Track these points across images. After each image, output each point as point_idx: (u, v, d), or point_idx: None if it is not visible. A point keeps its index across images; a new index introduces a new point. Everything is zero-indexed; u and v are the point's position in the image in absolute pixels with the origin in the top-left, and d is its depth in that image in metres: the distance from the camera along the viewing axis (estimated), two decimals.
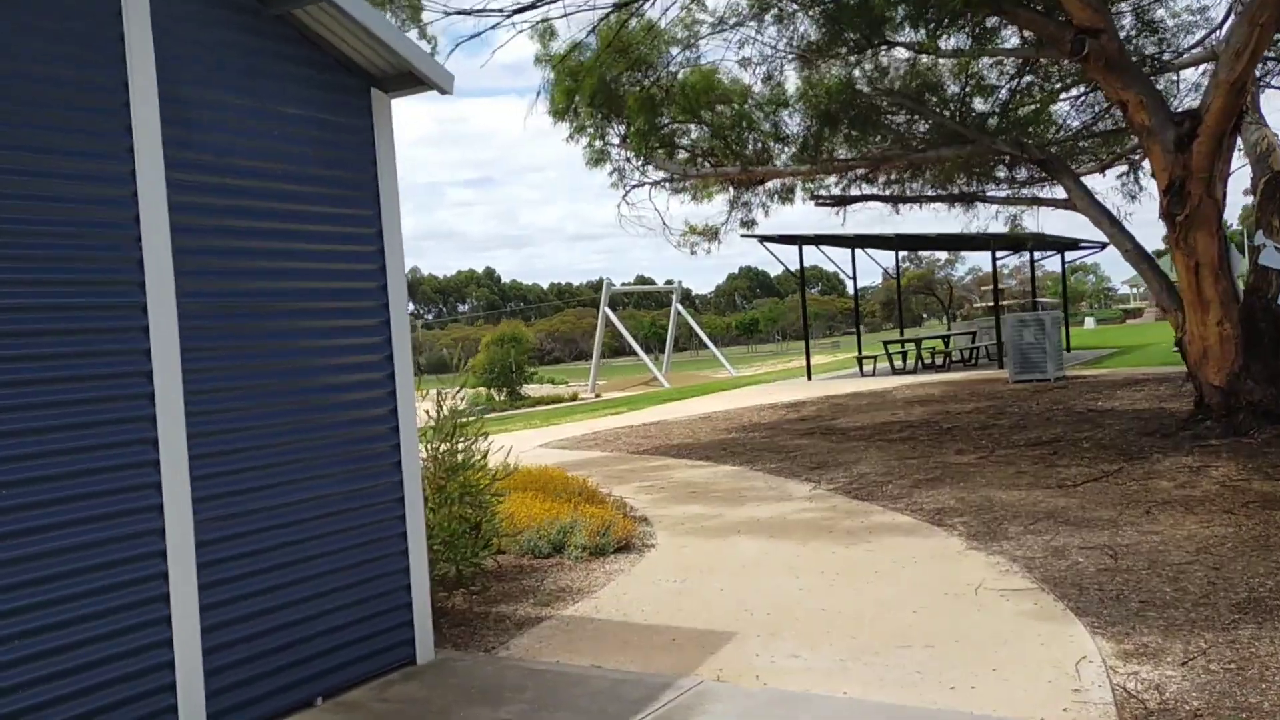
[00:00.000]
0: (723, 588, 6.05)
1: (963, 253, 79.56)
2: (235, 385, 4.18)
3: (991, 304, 32.49)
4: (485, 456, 6.66)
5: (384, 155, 4.93)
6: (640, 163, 14.42)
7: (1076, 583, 5.51)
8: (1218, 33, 13.19)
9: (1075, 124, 12.95)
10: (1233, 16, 10.64)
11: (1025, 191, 13.09)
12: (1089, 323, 57.32)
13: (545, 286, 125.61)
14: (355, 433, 4.66)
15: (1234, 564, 5.58)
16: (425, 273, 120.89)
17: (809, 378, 24.87)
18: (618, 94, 13.82)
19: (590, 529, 7.15)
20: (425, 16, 12.74)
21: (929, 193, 13.56)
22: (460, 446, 6.50)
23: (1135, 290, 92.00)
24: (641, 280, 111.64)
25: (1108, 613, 4.98)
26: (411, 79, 4.93)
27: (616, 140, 14.85)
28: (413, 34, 12.96)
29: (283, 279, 4.43)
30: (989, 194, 13.03)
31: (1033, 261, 26.71)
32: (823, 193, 13.86)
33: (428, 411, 6.45)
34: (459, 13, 11.40)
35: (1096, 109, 12.31)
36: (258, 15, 4.41)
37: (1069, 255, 28.52)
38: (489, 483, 6.46)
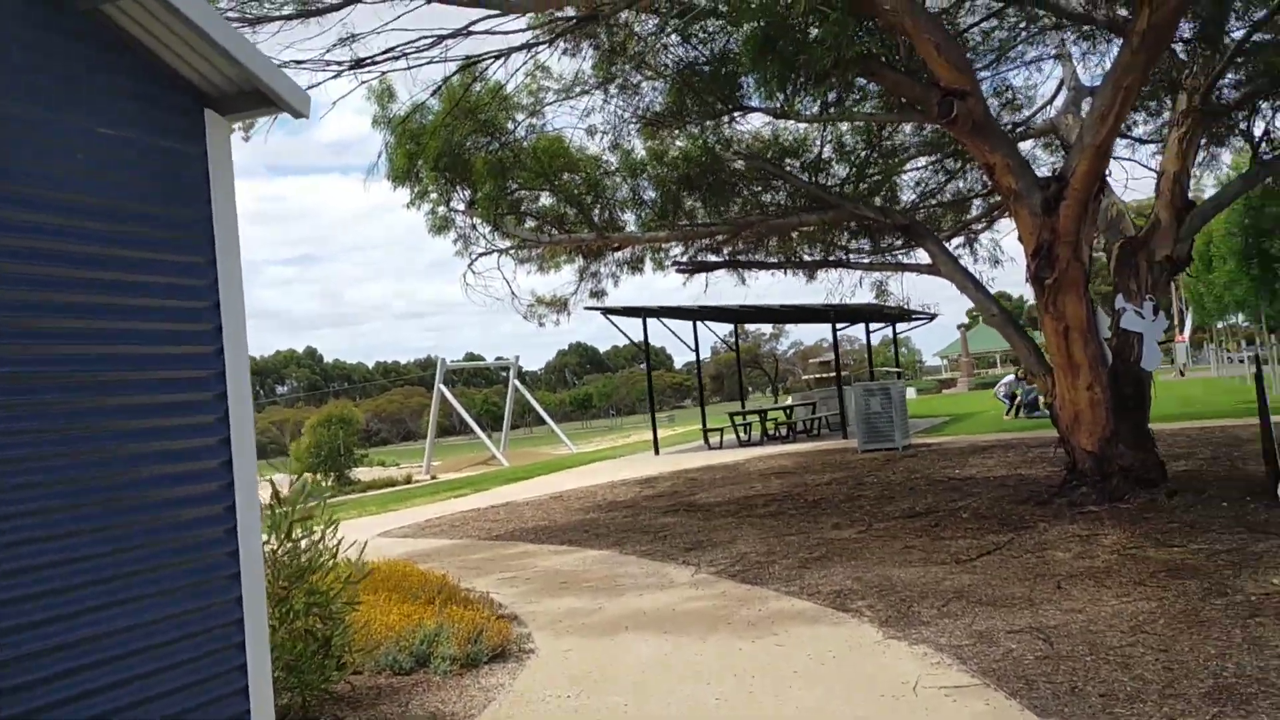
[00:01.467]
0: (626, 703, 5.18)
1: (788, 326, 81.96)
2: (30, 482, 3.13)
3: (819, 376, 32.96)
4: (335, 555, 5.63)
5: (221, 192, 3.98)
6: (488, 230, 13.65)
7: (1021, 675, 4.95)
8: (1051, 107, 13.66)
9: (936, 187, 13.05)
10: (1085, 86, 10.89)
11: (891, 257, 13.03)
12: (910, 392, 59.50)
13: (371, 365, 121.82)
14: (182, 540, 3.62)
15: (1179, 644, 5.15)
16: None
17: (656, 452, 24.33)
18: (463, 158, 13.07)
19: (459, 635, 6.16)
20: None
21: (791, 258, 13.33)
22: (304, 544, 5.47)
23: (945, 361, 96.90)
24: (471, 357, 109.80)
25: (1072, 711, 4.41)
26: (258, 99, 4.04)
27: (462, 206, 14.06)
28: None
29: (95, 342, 3.41)
30: (853, 260, 12.90)
31: (869, 332, 27.26)
32: (683, 259, 13.44)
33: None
34: (294, 64, 10.43)
35: (958, 172, 12.42)
36: (60, 10, 3.46)
37: (898, 326, 29.31)
38: (342, 587, 5.43)
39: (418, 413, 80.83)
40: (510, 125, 13.48)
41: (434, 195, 13.61)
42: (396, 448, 68.61)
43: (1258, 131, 10.47)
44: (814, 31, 9.08)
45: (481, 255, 14.34)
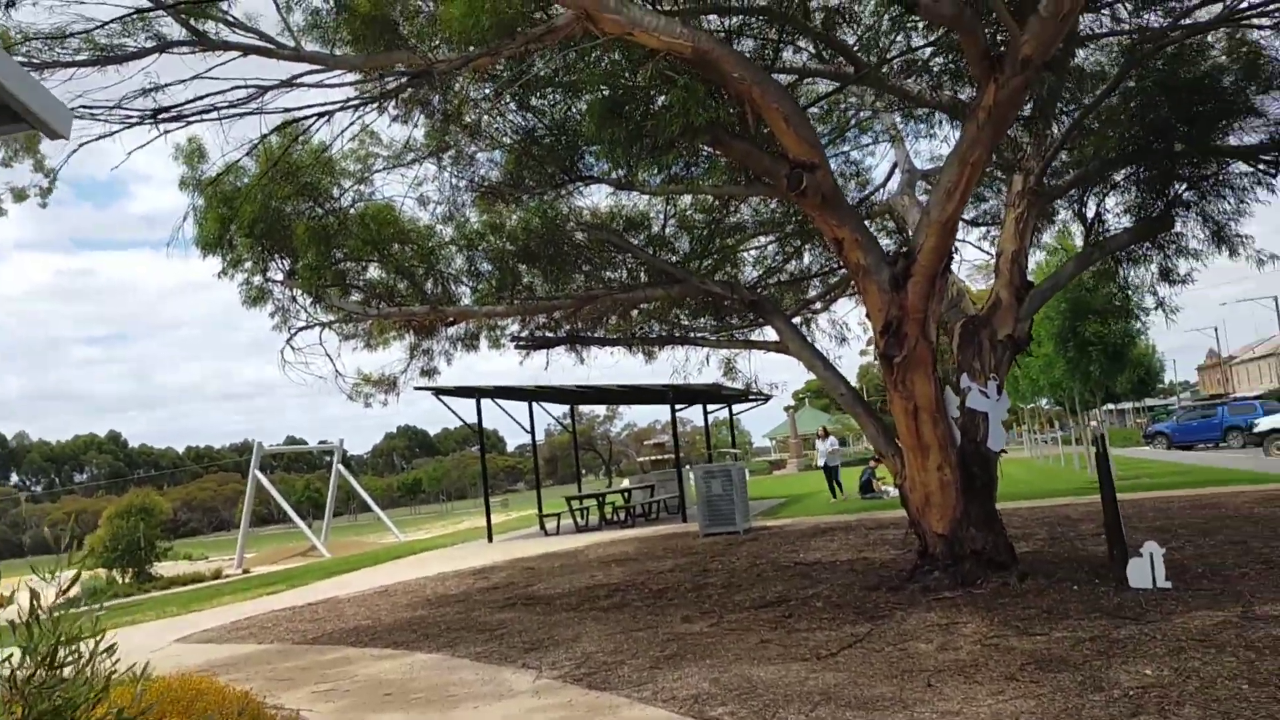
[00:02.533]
0: None
1: (623, 408, 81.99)
2: None
3: (655, 458, 32.67)
4: (108, 683, 4.58)
5: None
6: (309, 302, 12.64)
7: None
8: (884, 189, 13.83)
9: (779, 264, 12.90)
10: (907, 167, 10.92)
11: (738, 334, 12.72)
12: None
13: (181, 450, 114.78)
14: None
15: None
16: (34, 438, 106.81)
17: (490, 539, 23.26)
18: (283, 224, 12.10)
19: None
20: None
21: (635, 335, 12.84)
22: (67, 668, 4.40)
23: (774, 442, 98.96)
24: (292, 441, 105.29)
25: None
26: (7, 114, 3.20)
27: (280, 276, 13.01)
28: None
29: None
30: (700, 337, 12.52)
31: (706, 413, 27.13)
32: (521, 335, 12.76)
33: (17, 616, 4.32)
34: (87, 109, 9.35)
35: (797, 251, 12.30)
36: None
37: (736, 408, 29.36)
38: None
39: (232, 500, 76.26)
40: (335, 191, 12.63)
41: (249, 264, 12.53)
42: (208, 539, 64.22)
43: (1089, 213, 10.76)
44: (660, 100, 8.75)
45: (302, 329, 13.27)
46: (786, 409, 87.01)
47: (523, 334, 12.69)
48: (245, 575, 25.53)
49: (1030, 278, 10.15)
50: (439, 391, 21.62)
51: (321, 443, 41.86)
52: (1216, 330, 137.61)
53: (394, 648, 9.75)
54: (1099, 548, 11.01)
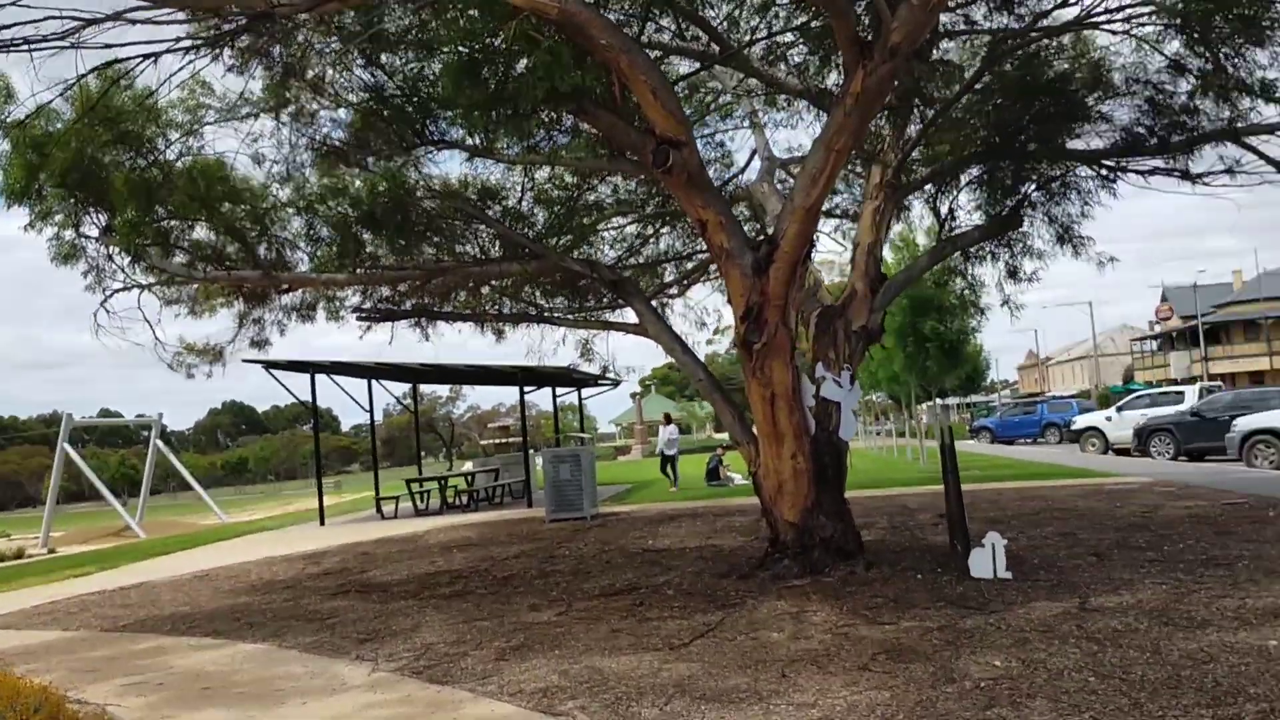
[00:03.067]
0: None
1: (466, 389, 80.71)
2: None
3: (498, 441, 32.17)
4: None
5: None
6: (128, 262, 11.63)
7: None
8: (743, 176, 13.78)
9: (638, 245, 12.65)
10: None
11: (598, 315, 12.37)
12: None
13: None
14: None
15: None
16: None
17: (322, 522, 22.28)
18: (100, 175, 11.06)
19: None
20: None
21: (488, 311, 12.35)
22: None
23: (619, 428, 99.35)
24: (107, 414, 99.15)
25: None
26: None
27: (95, 232, 11.93)
28: None
29: None
30: (557, 316, 12.13)
31: (555, 396, 26.77)
32: (365, 306, 12.09)
33: None
34: None
35: (655, 235, 12.08)
36: None
37: (585, 391, 29.10)
38: None
39: (39, 475, 71.17)
40: (161, 143, 11.63)
41: (60, 217, 11.42)
42: (11, 515, 59.74)
43: (943, 209, 10.95)
44: (523, 63, 8.34)
45: (119, 291, 12.22)
46: (633, 395, 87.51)
47: (365, 306, 12.03)
48: (51, 555, 23.69)
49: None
50: (270, 365, 20.50)
51: (139, 416, 39.16)
52: (1036, 332, 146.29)
53: (215, 637, 9.05)
54: (939, 537, 11.27)
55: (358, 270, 11.11)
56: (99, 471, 41.28)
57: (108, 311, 12.43)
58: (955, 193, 11.03)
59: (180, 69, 10.09)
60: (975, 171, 10.79)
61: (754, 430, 9.65)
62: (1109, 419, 30.04)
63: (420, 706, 6.02)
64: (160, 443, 35.54)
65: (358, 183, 10.94)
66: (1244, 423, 20.22)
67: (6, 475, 78.33)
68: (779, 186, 12.81)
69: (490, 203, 10.80)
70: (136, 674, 7.66)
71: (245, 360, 19.16)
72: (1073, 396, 57.61)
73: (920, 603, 7.71)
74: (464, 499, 22.94)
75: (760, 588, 8.83)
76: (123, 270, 12.40)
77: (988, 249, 11.32)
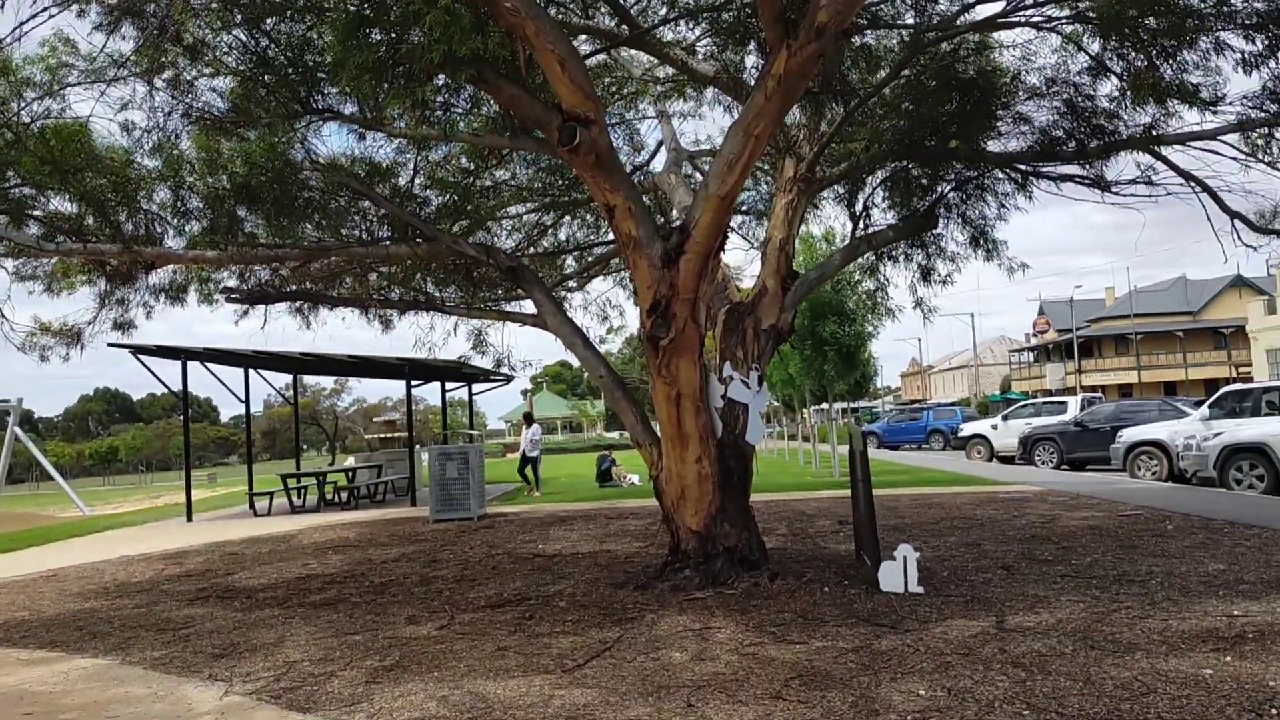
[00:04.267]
0: None
1: (352, 381, 78.51)
2: None
3: (384, 435, 31.01)
4: None
5: None
6: None
7: None
8: (649, 168, 13.24)
9: (539, 233, 11.96)
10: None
11: (494, 305, 11.59)
12: None
13: None
14: None
15: None
16: None
17: (189, 518, 20.91)
18: None
19: None
20: None
21: (374, 297, 11.47)
22: None
23: (509, 425, 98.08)
24: None
25: None
26: None
27: None
28: None
29: None
30: (448, 304, 11.32)
31: (444, 391, 25.77)
32: (238, 288, 11.07)
33: None
34: None
35: (557, 224, 11.39)
36: None
37: (476, 387, 28.14)
38: None
39: None
40: (16, 105, 10.46)
41: None
42: None
43: (858, 206, 10.56)
44: (419, 26, 7.59)
45: None
46: (524, 392, 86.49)
47: (239, 287, 11.04)
48: None
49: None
50: (138, 350, 19.10)
51: (18, 399, 36.46)
52: (920, 341, 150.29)
53: (51, 649, 8.04)
54: (841, 546, 10.92)
55: (230, 248, 10.13)
56: None
57: None
58: (870, 190, 10.67)
59: (35, 16, 9.03)
60: (891, 169, 10.45)
61: (656, 432, 9.09)
62: (994, 427, 30.56)
63: None
64: (18, 429, 33.19)
65: (235, 155, 9.98)
66: (1129, 434, 20.61)
67: None
68: (687, 179, 12.31)
69: (380, 181, 9.96)
70: None
71: (111, 344, 17.81)
72: (954, 404, 59.03)
73: (830, 619, 7.25)
74: (344, 496, 21.84)
75: (660, 600, 8.27)
76: None
77: (901, 249, 11.02)
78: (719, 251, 8.38)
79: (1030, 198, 9.99)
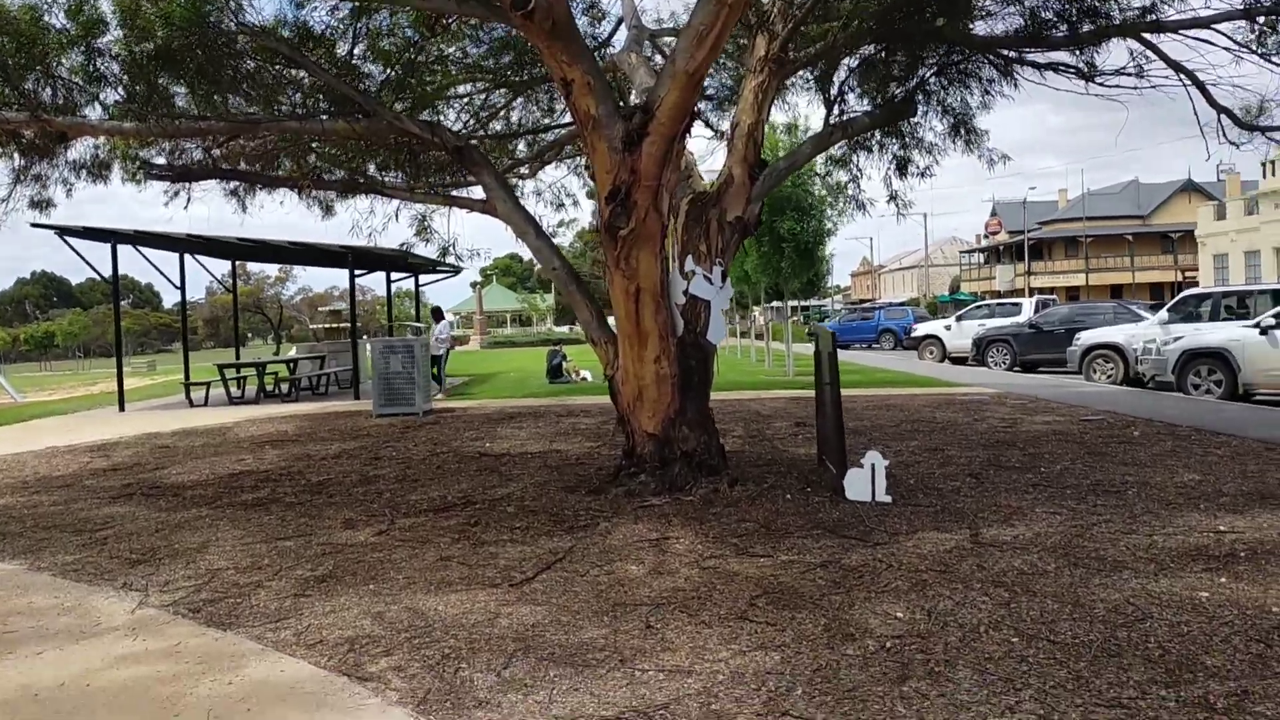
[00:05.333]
0: None
1: (297, 270, 76.83)
2: None
3: (329, 325, 30.12)
4: None
5: None
6: None
7: None
8: (608, 48, 12.39)
9: (489, 115, 11.12)
10: None
11: (440, 192, 10.76)
12: None
13: None
14: None
15: None
16: None
17: (121, 408, 20.10)
18: None
19: None
20: None
21: (310, 177, 10.60)
22: None
23: (456, 318, 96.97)
24: None
25: None
26: None
27: None
28: None
29: None
30: (390, 186, 10.49)
31: (389, 281, 24.88)
32: (155, 159, 10.17)
33: None
34: None
35: (508, 104, 10.53)
36: None
37: (422, 279, 27.25)
38: None
39: None
40: None
41: None
42: None
43: (833, 91, 9.87)
44: None
45: None
46: (473, 284, 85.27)
47: (164, 163, 10.13)
48: None
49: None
50: (63, 231, 18.01)
51: None
52: (871, 240, 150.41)
53: None
54: (800, 449, 10.57)
55: (151, 120, 9.21)
56: None
57: None
58: (846, 75, 9.97)
59: None
60: (869, 51, 9.75)
61: (613, 329, 8.53)
62: (948, 328, 30.44)
63: (188, 662, 4.74)
64: None
65: (155, 16, 8.98)
66: (1086, 337, 20.48)
67: None
68: (648, 61, 11.48)
69: (316, 50, 9.04)
70: None
71: (34, 224, 16.74)
72: (904, 304, 59.18)
73: (795, 530, 6.86)
74: (285, 388, 21.12)
75: (614, 506, 7.82)
76: None
77: (876, 139, 10.39)
78: (685, 135, 7.70)
79: (1016, 85, 9.41)
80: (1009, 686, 3.98)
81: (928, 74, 9.78)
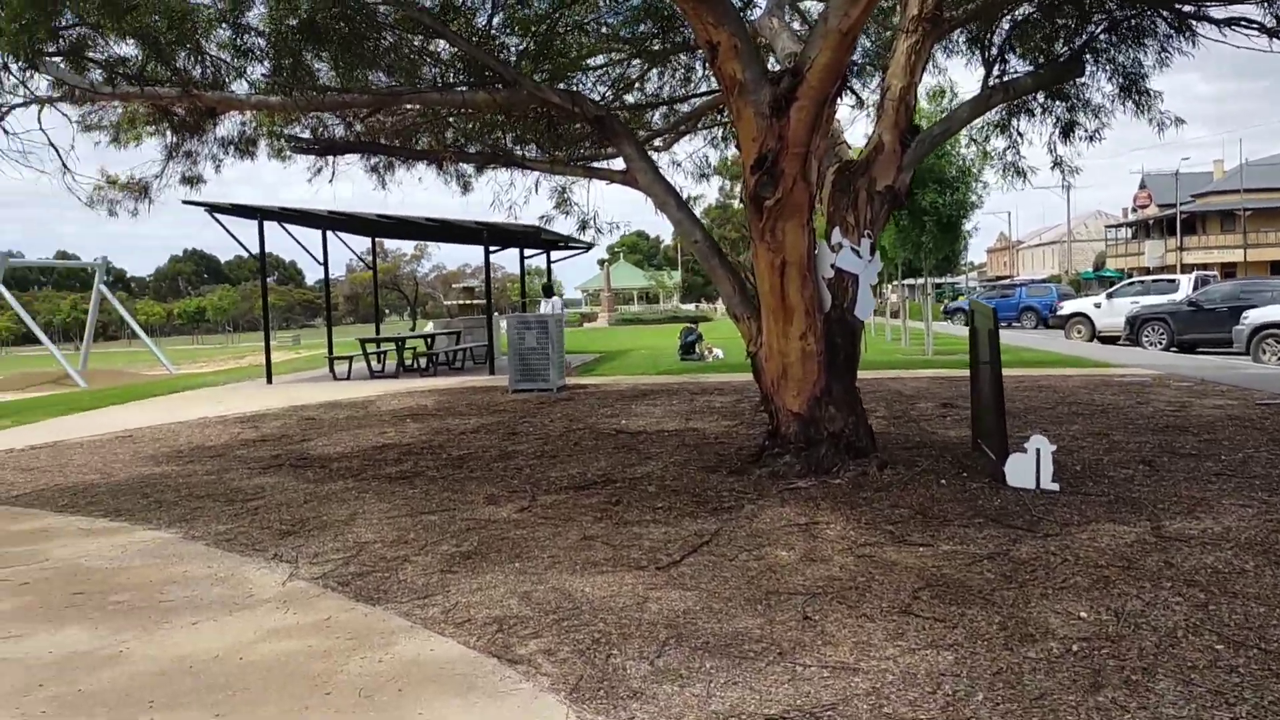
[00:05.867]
0: None
1: (432, 247, 78.60)
2: None
3: (463, 302, 30.58)
4: None
5: None
6: (21, 69, 9.74)
7: None
8: (749, 12, 11.98)
9: (629, 83, 10.92)
10: None
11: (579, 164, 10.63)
12: None
13: None
14: None
15: None
16: None
17: (269, 380, 20.82)
18: None
19: None
20: None
21: (450, 150, 10.60)
22: None
23: (585, 295, 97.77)
24: (64, 256, 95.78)
25: None
26: None
27: None
28: None
29: None
30: (529, 158, 10.42)
31: (523, 258, 25.07)
32: (301, 135, 10.32)
33: None
34: None
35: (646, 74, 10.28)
36: None
37: (554, 255, 27.41)
38: None
39: None
40: None
41: None
42: None
43: (992, 51, 9.29)
44: None
45: (19, 106, 10.38)
46: (601, 262, 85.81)
47: (307, 137, 10.27)
48: None
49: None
50: (213, 209, 18.68)
51: (101, 260, 36.60)
52: (1010, 215, 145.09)
53: (113, 517, 7.68)
54: (950, 431, 10.08)
55: (295, 94, 9.33)
56: (50, 316, 39.35)
57: (5, 131, 10.60)
58: (1009, 31, 9.35)
59: None
60: (1029, 9, 9.12)
61: (756, 304, 8.22)
62: (1097, 305, 28.97)
63: (338, 638, 4.69)
64: (105, 288, 33.58)
65: None
66: (1255, 315, 19.10)
67: None
68: (792, 24, 11.08)
69: (455, 19, 8.97)
70: (4, 567, 6.28)
71: (186, 201, 17.39)
72: (1046, 281, 56.79)
73: (954, 518, 6.46)
74: (423, 363, 21.52)
75: (758, 488, 7.55)
76: (23, 84, 10.52)
77: (1038, 102, 9.74)
78: (836, 99, 7.33)
79: (1194, 42, 8.64)
80: (1219, 700, 3.56)
81: (1097, 30, 9.09)
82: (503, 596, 5.22)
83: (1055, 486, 7.04)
